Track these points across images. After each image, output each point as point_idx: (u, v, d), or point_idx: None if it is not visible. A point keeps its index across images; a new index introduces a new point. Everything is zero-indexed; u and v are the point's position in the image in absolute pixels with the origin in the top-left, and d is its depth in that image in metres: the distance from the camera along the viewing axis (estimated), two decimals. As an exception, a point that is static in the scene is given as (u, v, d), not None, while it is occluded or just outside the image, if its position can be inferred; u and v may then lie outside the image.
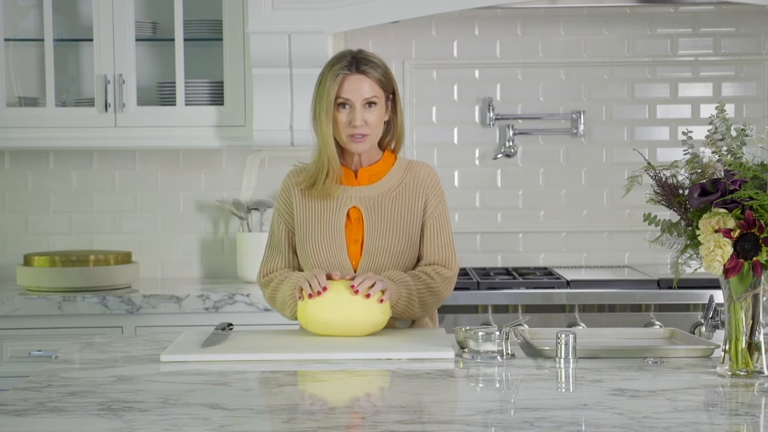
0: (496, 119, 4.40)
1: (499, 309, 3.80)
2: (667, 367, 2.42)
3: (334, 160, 2.86)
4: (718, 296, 2.61)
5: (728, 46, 4.40)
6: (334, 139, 2.86)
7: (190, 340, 2.69)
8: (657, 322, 3.71)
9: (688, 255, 2.35)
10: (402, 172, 2.95)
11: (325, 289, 2.70)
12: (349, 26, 3.90)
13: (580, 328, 3.55)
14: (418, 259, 2.95)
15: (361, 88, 2.83)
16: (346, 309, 2.69)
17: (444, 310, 3.77)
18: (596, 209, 4.44)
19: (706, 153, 2.35)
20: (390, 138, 2.96)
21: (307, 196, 2.93)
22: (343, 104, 2.83)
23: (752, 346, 2.31)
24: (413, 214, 2.92)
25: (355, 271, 2.87)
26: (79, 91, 4.28)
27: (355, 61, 2.85)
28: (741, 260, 2.23)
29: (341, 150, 2.90)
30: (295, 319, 2.83)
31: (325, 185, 2.88)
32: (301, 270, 2.97)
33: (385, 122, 2.91)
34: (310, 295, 2.70)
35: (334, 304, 2.69)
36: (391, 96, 2.91)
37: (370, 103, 2.84)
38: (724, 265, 2.23)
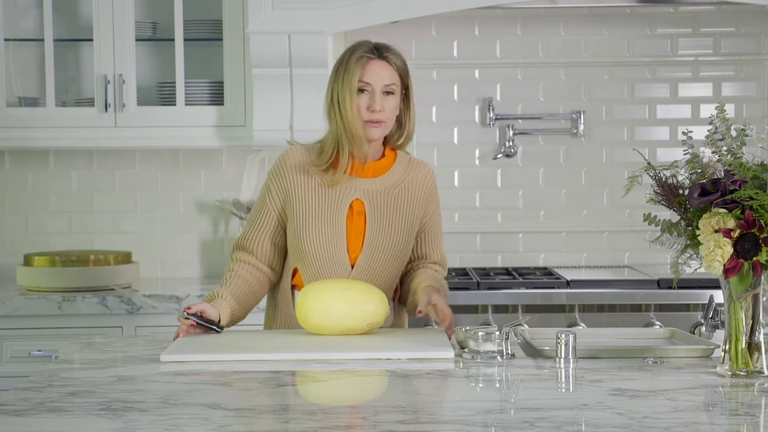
0: (496, 119, 4.40)
1: (499, 309, 3.79)
2: (667, 367, 2.42)
3: (359, 139, 2.79)
4: (718, 296, 2.61)
5: (728, 46, 4.40)
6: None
7: (190, 340, 2.69)
8: (657, 322, 3.70)
9: (688, 255, 2.35)
10: (404, 170, 2.93)
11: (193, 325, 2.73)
12: (349, 26, 3.90)
13: (580, 328, 3.55)
14: (416, 257, 2.98)
15: (382, 73, 2.81)
16: (342, 316, 2.70)
17: (444, 310, 3.76)
18: (596, 209, 4.44)
19: (706, 153, 2.35)
20: (398, 135, 2.92)
21: (311, 181, 2.87)
22: (362, 89, 2.80)
23: (752, 346, 2.31)
24: (413, 214, 2.92)
25: (353, 266, 2.85)
26: (79, 91, 4.28)
27: (377, 48, 2.84)
28: (741, 260, 2.23)
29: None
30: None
31: (340, 171, 2.82)
32: (283, 250, 2.92)
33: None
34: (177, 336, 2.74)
35: (330, 311, 2.69)
36: (405, 90, 2.88)
37: (388, 92, 2.82)
38: (724, 265, 2.23)
